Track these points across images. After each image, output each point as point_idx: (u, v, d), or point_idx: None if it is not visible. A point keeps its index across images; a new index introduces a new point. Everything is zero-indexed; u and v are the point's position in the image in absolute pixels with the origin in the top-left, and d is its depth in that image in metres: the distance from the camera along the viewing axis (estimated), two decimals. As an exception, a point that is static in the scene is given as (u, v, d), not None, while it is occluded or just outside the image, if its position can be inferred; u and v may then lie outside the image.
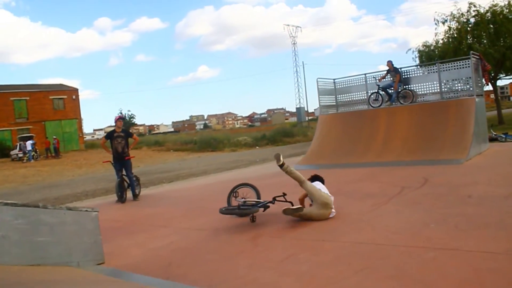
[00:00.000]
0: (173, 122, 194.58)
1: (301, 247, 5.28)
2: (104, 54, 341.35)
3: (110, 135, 10.78)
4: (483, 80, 14.39)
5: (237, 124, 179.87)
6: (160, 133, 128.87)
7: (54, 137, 39.72)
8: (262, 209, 6.95)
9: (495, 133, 17.25)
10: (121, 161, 10.67)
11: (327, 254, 4.85)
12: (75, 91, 52.30)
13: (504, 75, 33.92)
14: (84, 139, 54.06)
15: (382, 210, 6.74)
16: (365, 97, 15.69)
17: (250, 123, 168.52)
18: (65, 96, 50.75)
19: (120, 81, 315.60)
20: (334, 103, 16.71)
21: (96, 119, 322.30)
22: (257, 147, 31.92)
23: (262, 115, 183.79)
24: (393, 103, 14.67)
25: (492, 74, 31.49)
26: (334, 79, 16.78)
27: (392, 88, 14.75)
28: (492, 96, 40.77)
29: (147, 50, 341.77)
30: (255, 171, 14.71)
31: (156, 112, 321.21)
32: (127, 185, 10.81)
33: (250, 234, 6.15)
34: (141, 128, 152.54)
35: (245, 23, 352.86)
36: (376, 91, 15.09)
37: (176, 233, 6.81)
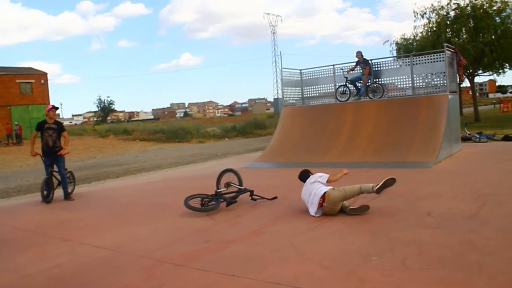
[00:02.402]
0: (153, 110, 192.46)
1: (201, 284, 4.02)
2: (86, 39, 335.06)
3: (40, 126, 9.34)
4: (458, 76, 13.29)
5: (218, 113, 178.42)
6: (139, 120, 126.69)
7: (16, 123, 37.67)
8: (225, 203, 7.10)
9: (469, 132, 16.25)
10: (51, 156, 9.28)
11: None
12: (43, 75, 49.99)
13: (482, 71, 33.14)
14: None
15: (322, 229, 5.53)
16: (333, 90, 14.48)
17: (231, 113, 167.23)
18: (33, 80, 48.40)
19: (101, 67, 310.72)
20: (300, 96, 15.48)
21: (75, 104, 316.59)
22: (226, 139, 30.57)
23: (243, 105, 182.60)
24: (361, 98, 13.51)
25: (470, 70, 30.69)
26: (300, 70, 15.55)
27: (361, 81, 13.58)
28: (471, 93, 40.11)
29: (130, 35, 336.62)
30: (208, 168, 13.42)
31: (137, 99, 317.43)
32: (57, 183, 9.44)
33: (149, 261, 4.87)
34: (120, 114, 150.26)
35: (230, 12, 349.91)
36: (344, 84, 13.91)
37: (71, 251, 5.53)
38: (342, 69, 14.26)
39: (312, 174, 6.70)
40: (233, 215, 6.74)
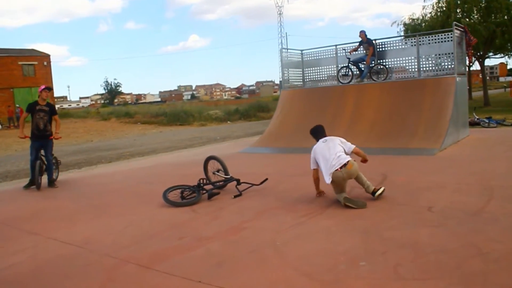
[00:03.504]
0: (160, 92, 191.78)
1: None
2: (93, 20, 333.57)
3: (31, 108, 8.81)
4: (467, 57, 12.52)
5: (225, 95, 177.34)
6: (146, 102, 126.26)
7: (18, 105, 37.26)
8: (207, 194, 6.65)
9: (477, 117, 15.52)
10: (42, 140, 8.77)
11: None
12: (46, 57, 49.39)
13: (492, 53, 32.06)
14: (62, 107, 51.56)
15: (309, 225, 4.96)
16: (335, 71, 13.79)
17: (238, 95, 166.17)
18: (36, 62, 47.81)
19: (109, 49, 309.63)
20: (301, 77, 14.80)
21: (83, 87, 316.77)
22: (228, 122, 29.95)
23: (251, 87, 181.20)
24: (364, 80, 12.82)
25: (480, 53, 29.67)
26: (301, 50, 14.84)
27: (364, 63, 12.87)
28: (481, 76, 39.00)
29: (137, 17, 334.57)
30: (203, 153, 12.80)
31: (144, 81, 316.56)
32: (44, 168, 8.95)
33: (113, 261, 4.35)
34: (128, 97, 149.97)
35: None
36: (346, 65, 13.21)
37: (34, 248, 5.02)
38: (345, 49, 13.54)
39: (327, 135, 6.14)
40: (216, 207, 6.20)
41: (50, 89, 9.13)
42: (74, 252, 4.75)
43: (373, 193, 5.77)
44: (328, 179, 5.68)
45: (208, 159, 7.65)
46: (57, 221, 6.18)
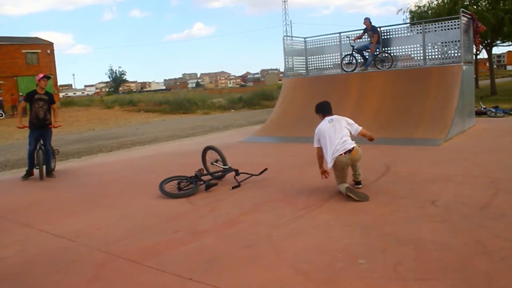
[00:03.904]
0: (165, 80, 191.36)
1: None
2: (97, 8, 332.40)
3: (30, 97, 8.66)
4: (474, 45, 12.21)
5: (230, 83, 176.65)
6: (150, 90, 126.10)
7: (21, 93, 37.18)
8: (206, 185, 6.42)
9: (484, 106, 15.22)
10: (41, 129, 8.63)
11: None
12: (50, 45, 49.11)
13: (500, 41, 31.53)
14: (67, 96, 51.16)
15: (308, 219, 4.78)
16: (339, 59, 13.51)
17: (243, 83, 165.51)
18: (39, 50, 47.56)
19: (113, 37, 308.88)
20: (304, 66, 14.54)
21: (88, 75, 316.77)
22: (232, 110, 29.71)
23: (256, 75, 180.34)
24: (368, 68, 12.55)
25: (488, 41, 29.19)
26: (305, 38, 14.55)
27: (369, 50, 12.59)
28: (488, 64, 38.45)
29: (142, 5, 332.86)
30: (204, 142, 12.63)
31: (149, 69, 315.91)
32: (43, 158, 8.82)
33: (103, 256, 4.20)
34: (133, 85, 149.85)
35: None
36: (350, 53, 12.92)
37: (25, 241, 4.90)
38: (349, 37, 13.25)
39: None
40: (213, 198, 6.04)
41: (48, 77, 8.97)
42: (65, 246, 4.61)
43: (357, 183, 5.72)
44: (330, 163, 5.51)
45: (206, 149, 7.48)
46: (51, 212, 6.06)
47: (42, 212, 6.11)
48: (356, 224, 4.44)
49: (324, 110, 5.90)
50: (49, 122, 8.76)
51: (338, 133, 5.52)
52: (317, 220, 4.71)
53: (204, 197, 6.17)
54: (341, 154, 5.41)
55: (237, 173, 6.82)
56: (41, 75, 8.76)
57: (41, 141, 8.69)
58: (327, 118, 5.75)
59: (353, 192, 5.30)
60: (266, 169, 7.01)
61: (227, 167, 6.98)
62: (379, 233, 4.11)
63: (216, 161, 7.22)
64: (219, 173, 6.97)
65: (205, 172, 6.96)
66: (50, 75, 9.15)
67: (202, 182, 6.56)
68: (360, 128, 5.69)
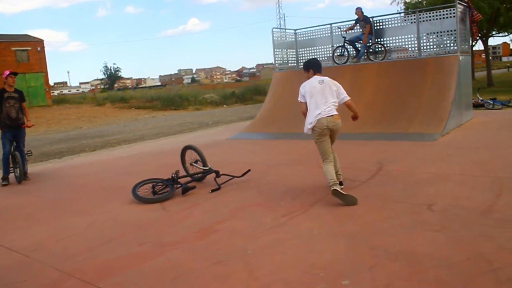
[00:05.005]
0: (160, 76, 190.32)
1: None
2: (92, 5, 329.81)
3: None
4: (471, 34, 11.69)
5: (226, 78, 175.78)
6: (145, 87, 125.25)
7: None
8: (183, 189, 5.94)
9: (481, 98, 14.73)
10: (15, 130, 8.09)
11: None
12: (40, 42, 48.32)
13: (496, 32, 31.02)
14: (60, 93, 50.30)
15: (289, 228, 4.26)
16: (331, 52, 12.97)
17: (238, 78, 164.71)
18: (29, 48, 46.77)
19: (108, 34, 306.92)
20: (295, 58, 13.99)
21: (82, 72, 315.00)
22: (224, 106, 29.11)
23: (251, 70, 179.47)
24: (361, 60, 12.03)
25: (484, 31, 28.67)
26: (295, 30, 14.00)
27: (361, 42, 12.05)
28: (484, 56, 37.95)
29: (136, 1, 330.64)
30: (190, 140, 12.12)
31: (145, 65, 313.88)
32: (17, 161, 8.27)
33: (55, 274, 3.68)
34: (128, 81, 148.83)
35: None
36: (341, 44, 12.39)
37: (-25, 255, 4.35)
38: (340, 28, 12.71)
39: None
40: (189, 203, 5.52)
41: (15, 74, 8.40)
42: (17, 262, 4.10)
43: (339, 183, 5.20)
44: (309, 125, 5.13)
45: (185, 148, 6.95)
46: (14, 221, 5.57)
47: (3, 222, 5.60)
48: (342, 234, 3.92)
49: (316, 66, 5.46)
50: (22, 122, 8.23)
51: (326, 99, 5.16)
52: (299, 229, 4.19)
53: (179, 201, 5.65)
54: (323, 117, 5.07)
55: (218, 174, 6.31)
56: (7, 72, 8.19)
57: (14, 143, 8.17)
58: (318, 78, 5.31)
59: (340, 195, 4.80)
60: (249, 170, 6.50)
61: (207, 168, 6.45)
62: (368, 245, 3.60)
63: (196, 162, 6.70)
64: (198, 175, 6.45)
65: (181, 174, 6.41)
66: (16, 73, 8.56)
67: (179, 185, 6.04)
68: (348, 98, 5.32)
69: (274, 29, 13.37)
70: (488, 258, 3.14)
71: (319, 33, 13.51)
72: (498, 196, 4.63)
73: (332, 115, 5.10)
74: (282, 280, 3.14)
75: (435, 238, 3.62)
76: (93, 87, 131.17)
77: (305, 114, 5.32)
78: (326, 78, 5.36)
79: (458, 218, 4.06)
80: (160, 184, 6.00)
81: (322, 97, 5.16)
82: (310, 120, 5.15)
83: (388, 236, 3.77)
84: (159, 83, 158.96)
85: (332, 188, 4.84)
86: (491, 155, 6.83)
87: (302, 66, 6.19)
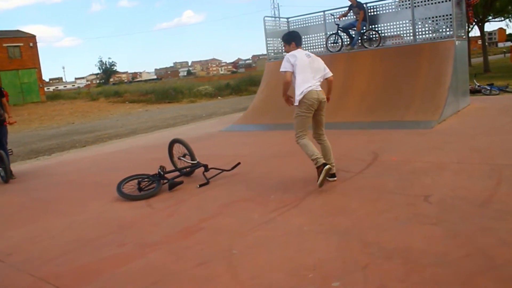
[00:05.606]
0: (156, 69, 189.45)
1: None
2: (86, 0, 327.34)
3: None
4: (467, 19, 11.41)
5: (222, 70, 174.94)
6: (141, 80, 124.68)
7: (2, 88, 36.06)
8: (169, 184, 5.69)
9: (478, 84, 14.48)
10: None
11: None
12: (32, 37, 47.75)
13: (492, 17, 30.70)
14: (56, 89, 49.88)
15: (277, 225, 4.03)
16: (324, 40, 12.68)
17: (234, 69, 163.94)
18: (22, 44, 46.23)
19: (103, 28, 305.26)
20: (288, 48, 13.67)
21: (78, 67, 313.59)
22: (219, 98, 28.80)
23: (247, 61, 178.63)
24: (355, 47, 11.74)
25: (480, 17, 28.36)
26: (287, 18, 13.69)
27: (355, 29, 11.77)
28: (480, 42, 37.66)
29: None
30: (182, 133, 11.88)
31: (140, 59, 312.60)
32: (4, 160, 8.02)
33: (28, 280, 3.45)
34: (123, 75, 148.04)
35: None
36: (335, 32, 12.09)
37: None
38: (333, 15, 12.41)
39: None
40: (176, 199, 5.28)
41: None
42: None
43: (332, 175, 5.11)
44: (298, 97, 4.96)
45: (173, 142, 6.71)
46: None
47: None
48: (334, 230, 3.69)
49: (298, 39, 5.29)
50: (3, 119, 7.96)
51: (314, 74, 5.07)
52: (288, 225, 3.95)
53: (166, 198, 5.41)
54: (313, 89, 4.94)
55: (206, 168, 6.06)
56: None
57: None
58: (303, 52, 5.14)
59: (320, 173, 4.69)
60: (239, 163, 6.26)
61: (195, 162, 6.21)
62: (361, 242, 3.36)
63: (184, 156, 6.45)
64: (186, 169, 6.21)
65: (167, 169, 6.15)
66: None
67: (166, 181, 5.79)
68: (331, 74, 5.33)
69: (266, 18, 13.07)
70: (488, 254, 2.91)
71: (312, 21, 13.22)
72: (498, 185, 4.40)
73: (321, 90, 5.03)
74: (266, 284, 2.91)
75: (432, 233, 3.39)
76: (89, 82, 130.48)
77: (287, 84, 5.09)
78: (312, 54, 5.23)
79: (455, 210, 3.83)
80: (146, 180, 5.76)
81: (312, 72, 5.02)
82: (298, 93, 4.97)
83: (382, 231, 3.54)
84: (155, 77, 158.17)
85: (319, 164, 4.69)
86: (489, 141, 6.60)
87: (281, 39, 6.00)
